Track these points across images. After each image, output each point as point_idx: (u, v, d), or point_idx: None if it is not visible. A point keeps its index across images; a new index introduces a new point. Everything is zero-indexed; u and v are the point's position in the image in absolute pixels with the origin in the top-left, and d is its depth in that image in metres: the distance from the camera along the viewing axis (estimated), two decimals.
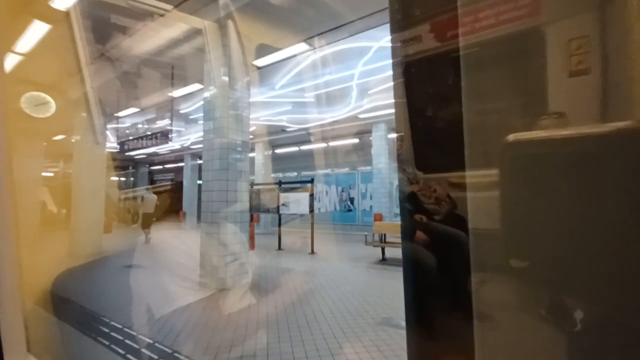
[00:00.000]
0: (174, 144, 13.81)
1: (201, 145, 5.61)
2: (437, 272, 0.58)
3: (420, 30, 0.60)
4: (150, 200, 10.30)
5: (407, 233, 0.62)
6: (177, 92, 8.11)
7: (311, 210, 8.56)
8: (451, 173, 0.58)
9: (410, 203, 0.61)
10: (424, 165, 0.62)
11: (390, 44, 0.64)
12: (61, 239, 8.42)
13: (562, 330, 0.44)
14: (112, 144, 11.34)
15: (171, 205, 15.93)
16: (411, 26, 0.61)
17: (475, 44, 0.54)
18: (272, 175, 14.82)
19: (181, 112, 10.20)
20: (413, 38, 0.61)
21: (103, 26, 5.34)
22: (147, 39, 5.68)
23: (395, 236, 7.51)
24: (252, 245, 7.57)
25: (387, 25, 0.64)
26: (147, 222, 10.01)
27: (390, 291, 4.81)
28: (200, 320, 3.78)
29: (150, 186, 18.71)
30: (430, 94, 0.62)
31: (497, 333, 0.49)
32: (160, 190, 17.77)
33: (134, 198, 11.16)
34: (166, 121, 9.42)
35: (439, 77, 0.61)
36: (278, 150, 15.00)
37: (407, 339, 0.60)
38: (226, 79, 5.12)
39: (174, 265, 6.77)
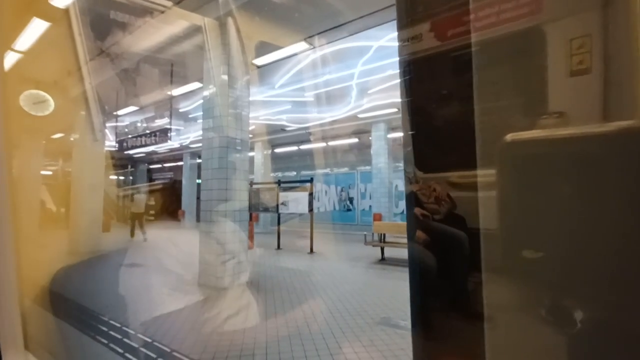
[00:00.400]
0: (173, 143, 13.78)
1: (200, 144, 5.59)
2: (444, 273, 0.58)
3: (423, 29, 0.60)
4: (140, 200, 10.24)
5: (414, 234, 0.61)
6: (177, 91, 8.09)
7: (310, 210, 8.55)
8: (450, 172, 0.58)
9: (411, 203, 0.61)
10: (424, 165, 0.61)
11: (396, 43, 0.64)
12: (60, 237, 8.40)
13: (573, 331, 0.44)
14: (111, 143, 11.31)
15: (168, 204, 15.87)
16: (416, 24, 0.61)
17: (477, 43, 0.54)
18: (272, 174, 14.81)
19: (180, 110, 10.17)
20: (417, 36, 0.61)
21: (102, 23, 5.32)
22: (147, 37, 5.66)
23: (394, 236, 7.51)
24: (251, 244, 7.56)
25: (387, 25, 0.64)
26: (136, 222, 9.96)
27: (389, 291, 4.80)
28: (198, 319, 3.77)
29: (144, 185, 18.63)
30: (429, 94, 0.62)
31: (505, 333, 0.49)
32: (156, 188, 17.69)
33: (129, 197, 11.12)
34: (165, 120, 9.39)
35: (438, 76, 0.61)
36: (277, 150, 14.99)
37: (413, 341, 0.59)
38: (226, 77, 5.11)
39: (162, 270, 6.72)
